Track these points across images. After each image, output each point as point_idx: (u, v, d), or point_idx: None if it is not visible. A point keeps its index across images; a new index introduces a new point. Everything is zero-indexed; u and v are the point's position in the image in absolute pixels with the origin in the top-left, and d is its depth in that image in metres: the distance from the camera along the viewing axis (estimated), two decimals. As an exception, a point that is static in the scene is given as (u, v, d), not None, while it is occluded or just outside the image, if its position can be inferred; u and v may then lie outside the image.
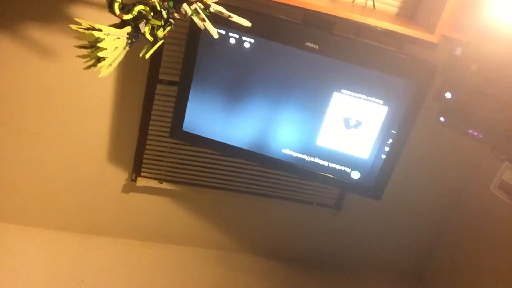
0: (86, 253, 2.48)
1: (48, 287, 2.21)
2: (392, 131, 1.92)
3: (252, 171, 2.58)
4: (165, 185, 2.54)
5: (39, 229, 2.51)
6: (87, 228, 2.60)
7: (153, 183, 2.53)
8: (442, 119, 1.98)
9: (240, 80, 1.93)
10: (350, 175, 2.04)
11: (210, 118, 2.01)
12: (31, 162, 2.37)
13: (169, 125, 2.09)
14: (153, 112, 2.34)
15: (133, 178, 2.50)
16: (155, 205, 2.61)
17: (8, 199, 2.45)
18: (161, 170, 2.52)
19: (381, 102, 1.87)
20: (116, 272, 2.43)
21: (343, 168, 2.03)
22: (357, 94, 1.87)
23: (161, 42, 1.43)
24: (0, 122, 2.25)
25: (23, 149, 2.33)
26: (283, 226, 2.79)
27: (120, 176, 2.49)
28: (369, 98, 1.87)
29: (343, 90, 1.87)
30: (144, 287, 2.40)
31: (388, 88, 1.85)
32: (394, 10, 2.09)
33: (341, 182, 2.07)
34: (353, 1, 2.03)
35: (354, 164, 2.03)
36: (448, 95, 1.92)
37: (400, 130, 1.92)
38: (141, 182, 2.50)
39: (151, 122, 2.37)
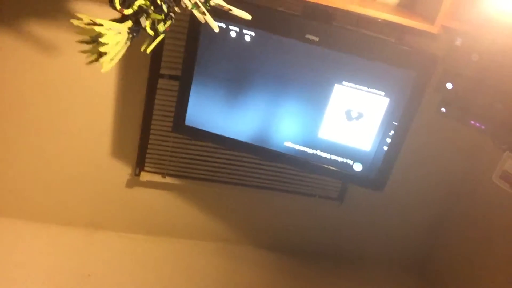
0: (91, 248, 2.51)
1: (55, 282, 2.23)
2: (393, 123, 1.93)
3: (255, 165, 2.59)
4: (168, 179, 2.55)
5: (44, 224, 2.53)
6: (92, 223, 2.62)
7: (157, 178, 2.54)
8: (443, 109, 1.98)
9: (242, 73, 1.94)
10: (352, 167, 2.05)
11: (212, 112, 2.02)
12: (35, 157, 2.39)
13: (172, 119, 2.10)
14: (155, 107, 2.35)
15: (137, 172, 2.52)
16: (159, 199, 2.63)
17: (12, 195, 2.47)
18: (165, 164, 2.53)
19: (382, 93, 1.87)
20: (121, 266, 2.45)
21: (345, 160, 2.04)
22: (358, 86, 1.87)
23: (162, 36, 1.44)
24: (4, 117, 2.27)
25: (27, 145, 2.35)
26: (286, 218, 2.80)
27: (123, 171, 2.51)
28: (370, 89, 1.87)
29: (344, 82, 1.87)
30: (149, 280, 2.42)
31: (389, 79, 1.85)
32: (394, 0, 2.09)
33: (343, 174, 2.08)
34: (353, -7, 2.03)
35: (356, 156, 2.03)
36: (449, 85, 1.92)
37: (402, 121, 1.92)
38: (144, 176, 2.52)
39: (153, 117, 2.38)
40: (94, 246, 2.52)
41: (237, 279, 2.59)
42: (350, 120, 1.96)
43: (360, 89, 1.88)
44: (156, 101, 2.33)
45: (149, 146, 2.47)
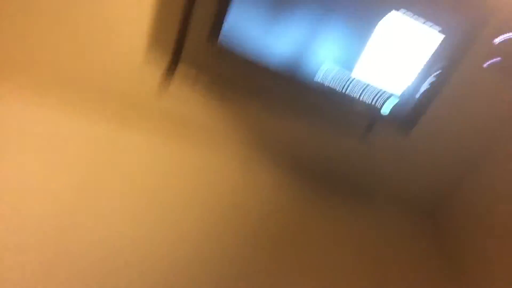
0: (117, 146, 2.47)
1: (75, 169, 2.20)
2: (440, 63, 1.88)
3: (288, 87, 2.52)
4: (200, 88, 2.53)
5: (74, 118, 2.47)
6: (119, 121, 2.58)
7: (188, 87, 2.51)
8: (491, 62, 1.95)
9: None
10: (385, 104, 2.01)
11: (250, 31, 1.93)
12: (71, 47, 2.33)
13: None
14: (193, 17, 2.28)
15: (168, 78, 2.48)
16: (190, 106, 2.61)
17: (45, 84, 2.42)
18: (197, 73, 2.49)
19: (439, 29, 1.81)
20: (146, 168, 2.43)
21: (379, 95, 2.00)
22: (415, 16, 1.80)
23: None
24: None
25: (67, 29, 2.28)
26: (309, 146, 2.79)
27: (156, 73, 2.46)
28: (426, 22, 1.81)
29: (401, 10, 1.80)
30: (170, 182, 2.40)
31: (447, 18, 1.79)
32: None
33: (374, 110, 2.04)
34: None
35: (391, 93, 1.98)
36: (499, 39, 1.88)
37: (449, 64, 1.88)
38: (175, 82, 2.48)
39: (190, 25, 2.31)
40: (119, 144, 2.48)
41: (257, 184, 2.61)
42: (394, 53, 1.89)
43: (417, 20, 1.81)
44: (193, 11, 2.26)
45: (183, 55, 2.41)
